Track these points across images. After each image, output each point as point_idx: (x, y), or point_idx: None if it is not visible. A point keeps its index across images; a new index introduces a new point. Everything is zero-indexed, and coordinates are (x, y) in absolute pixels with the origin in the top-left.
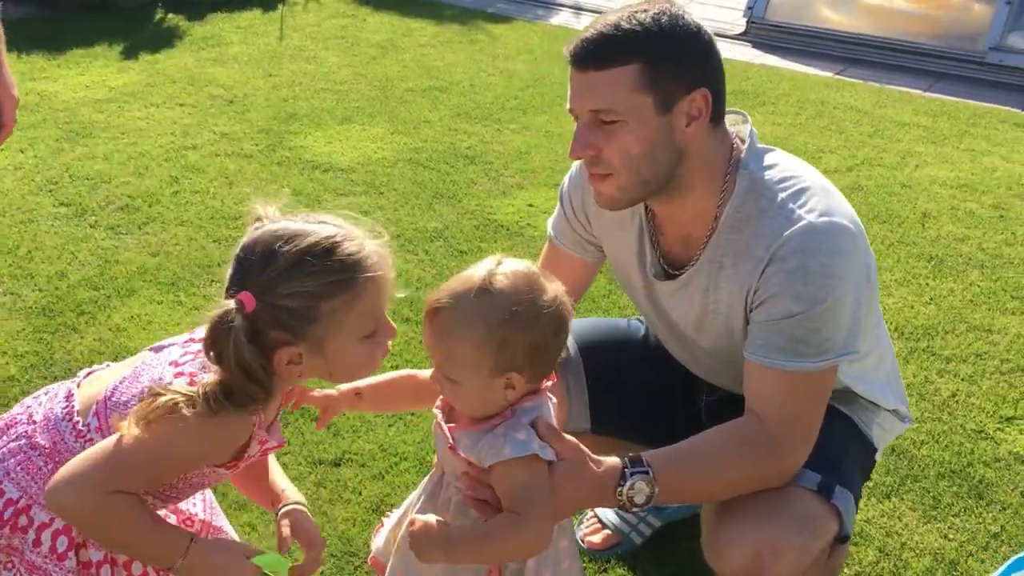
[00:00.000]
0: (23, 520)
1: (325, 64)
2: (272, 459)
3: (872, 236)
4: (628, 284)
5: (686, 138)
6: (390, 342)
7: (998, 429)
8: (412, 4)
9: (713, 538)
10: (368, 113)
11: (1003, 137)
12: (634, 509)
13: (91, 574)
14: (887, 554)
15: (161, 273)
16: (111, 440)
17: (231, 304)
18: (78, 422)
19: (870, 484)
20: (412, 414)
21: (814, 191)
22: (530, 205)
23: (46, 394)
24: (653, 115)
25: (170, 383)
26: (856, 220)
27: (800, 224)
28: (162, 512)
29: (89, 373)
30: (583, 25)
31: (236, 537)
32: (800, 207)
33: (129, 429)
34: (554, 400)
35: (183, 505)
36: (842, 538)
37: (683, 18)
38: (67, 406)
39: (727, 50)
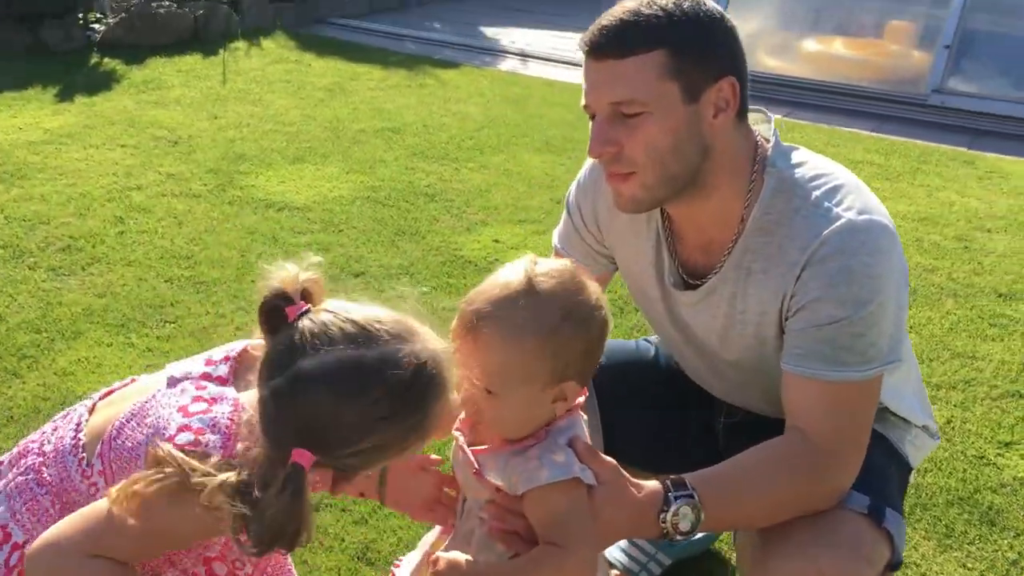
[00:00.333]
0: None
1: (272, 106)
2: None
3: None
4: (643, 296)
5: (713, 131)
6: None
7: (999, 454)
8: (356, 50)
9: (758, 569)
10: (320, 153)
11: (954, 174)
12: (678, 538)
13: None
14: None
15: (109, 314)
16: (102, 503)
17: (278, 453)
18: (83, 458)
19: None
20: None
21: (849, 188)
22: (496, 241)
23: (64, 417)
24: (680, 104)
25: (174, 435)
26: (891, 219)
27: (840, 223)
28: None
29: (107, 393)
30: (531, 72)
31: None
32: (837, 205)
33: (119, 502)
34: (585, 417)
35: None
36: (894, 565)
37: (705, 3)
38: (75, 437)
39: None
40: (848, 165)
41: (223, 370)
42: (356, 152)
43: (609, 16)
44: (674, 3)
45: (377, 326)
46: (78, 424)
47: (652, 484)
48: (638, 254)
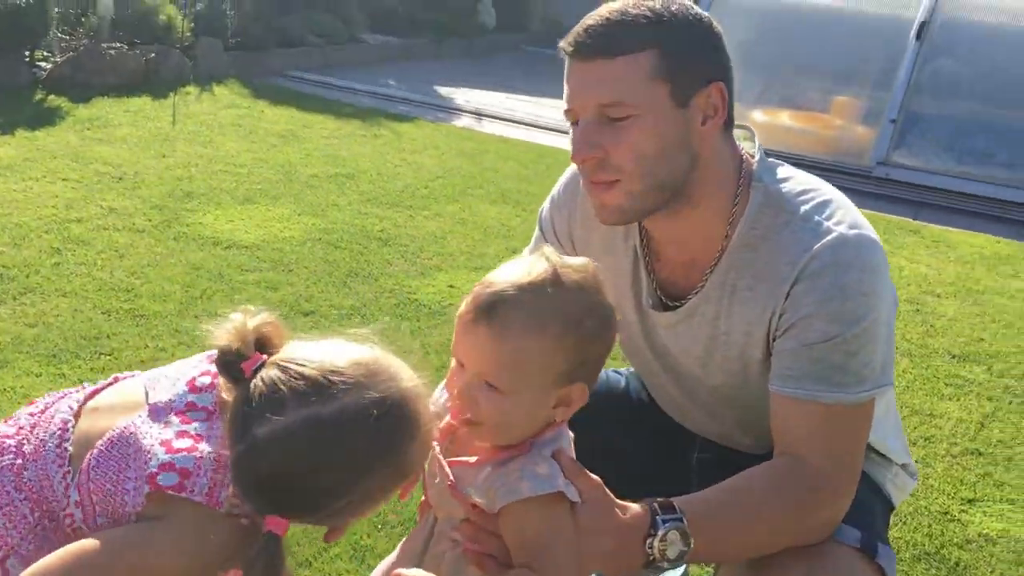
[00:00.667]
0: None
1: (222, 148)
2: None
3: None
4: (619, 319)
5: (701, 138)
6: None
7: (962, 511)
8: (310, 100)
9: None
10: (271, 195)
11: (901, 241)
12: (664, 565)
13: None
14: None
15: (40, 344)
16: (89, 544)
17: (260, 543)
18: (68, 472)
19: None
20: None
21: (838, 203)
22: (451, 286)
23: (42, 413)
24: (669, 108)
25: (156, 473)
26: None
27: (831, 236)
28: None
29: (94, 393)
30: (486, 129)
31: None
32: (827, 219)
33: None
34: (572, 435)
35: None
36: None
37: (693, 7)
38: (61, 447)
39: None
40: None
41: (209, 401)
42: (308, 195)
43: (595, 16)
44: (662, 4)
45: (333, 378)
46: (63, 429)
47: (637, 507)
48: (615, 273)
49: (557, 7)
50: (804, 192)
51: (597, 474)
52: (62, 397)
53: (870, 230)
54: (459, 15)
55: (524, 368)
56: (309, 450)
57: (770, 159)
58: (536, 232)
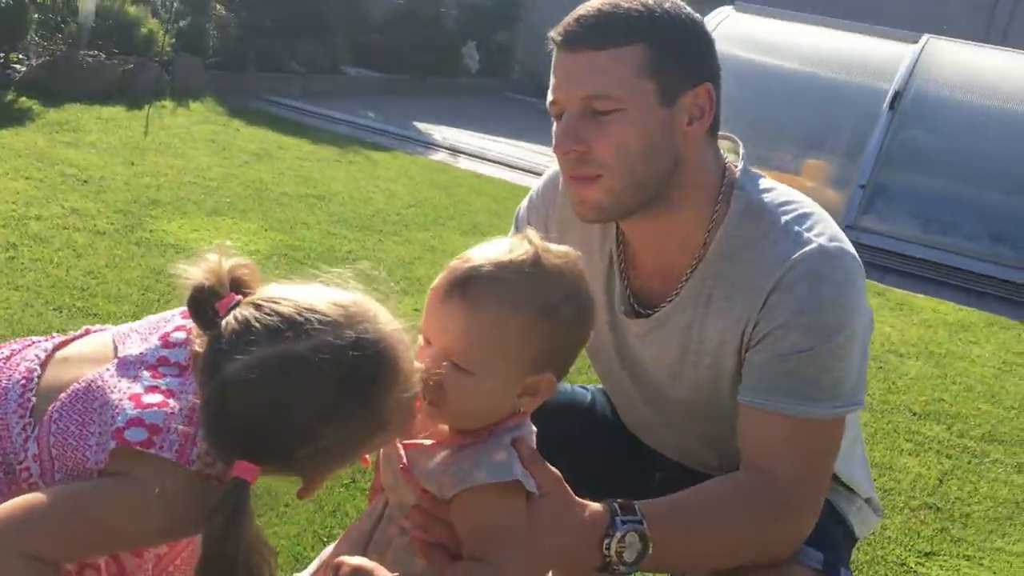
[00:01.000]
0: None
1: (194, 161)
2: None
3: None
4: None
5: (685, 140)
6: None
7: (919, 563)
8: (287, 123)
9: None
10: (240, 209)
11: (871, 303)
12: (620, 568)
13: None
14: None
15: None
16: (42, 496)
17: (227, 487)
18: (29, 423)
19: None
20: (286, 505)
21: (819, 216)
22: (416, 310)
23: (7, 360)
24: (655, 105)
25: (123, 428)
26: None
27: (811, 247)
28: None
29: (63, 343)
30: (461, 165)
31: None
32: (808, 230)
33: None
34: (534, 429)
35: None
36: None
37: (685, 8)
38: (24, 396)
39: None
40: None
41: (183, 356)
42: (277, 212)
43: (586, 7)
44: (655, 1)
45: (308, 315)
46: (28, 378)
47: (597, 506)
48: (588, 277)
49: (539, 61)
50: (786, 203)
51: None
52: (29, 345)
53: (850, 245)
54: (443, 57)
55: (493, 348)
56: (281, 388)
57: (753, 169)
58: (511, 230)
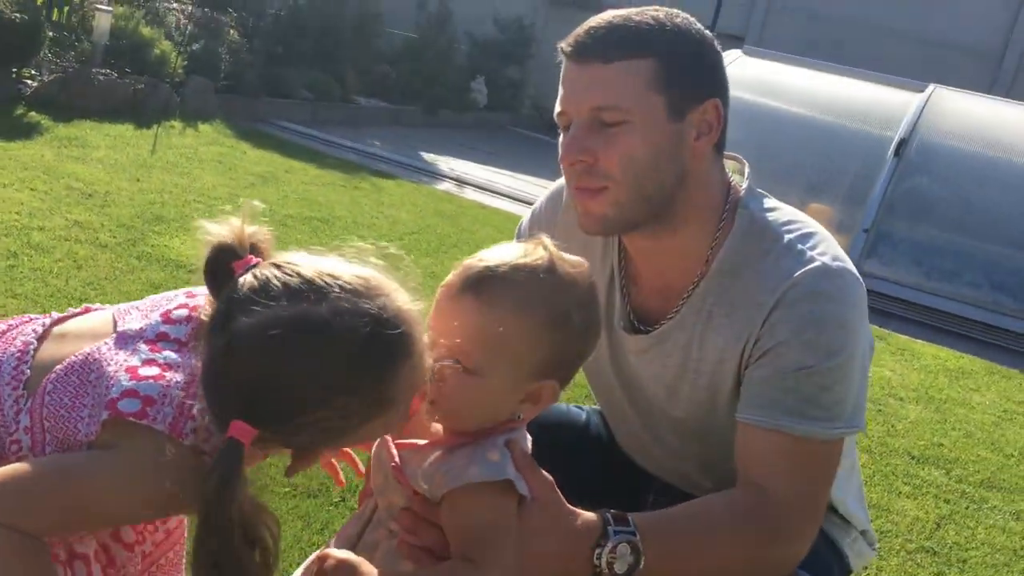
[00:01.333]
0: None
1: (199, 180)
2: None
3: None
4: None
5: (692, 156)
6: None
7: None
8: (294, 148)
9: None
10: None
11: None
12: None
13: None
14: None
15: None
16: (26, 465)
17: (222, 447)
18: (22, 396)
19: None
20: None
21: (822, 236)
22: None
23: (3, 334)
24: (663, 119)
25: (117, 398)
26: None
27: (813, 265)
28: None
29: (61, 320)
30: (466, 195)
31: None
32: (811, 249)
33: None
34: (529, 436)
35: None
36: None
37: (696, 24)
38: (18, 368)
39: None
40: None
41: (183, 332)
42: (280, 233)
43: (598, 19)
44: (666, 15)
45: (330, 280)
46: (23, 351)
47: (590, 514)
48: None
49: (549, 97)
50: (789, 223)
51: None
52: (27, 321)
53: (852, 266)
54: (452, 90)
55: (501, 349)
56: (292, 349)
57: (758, 190)
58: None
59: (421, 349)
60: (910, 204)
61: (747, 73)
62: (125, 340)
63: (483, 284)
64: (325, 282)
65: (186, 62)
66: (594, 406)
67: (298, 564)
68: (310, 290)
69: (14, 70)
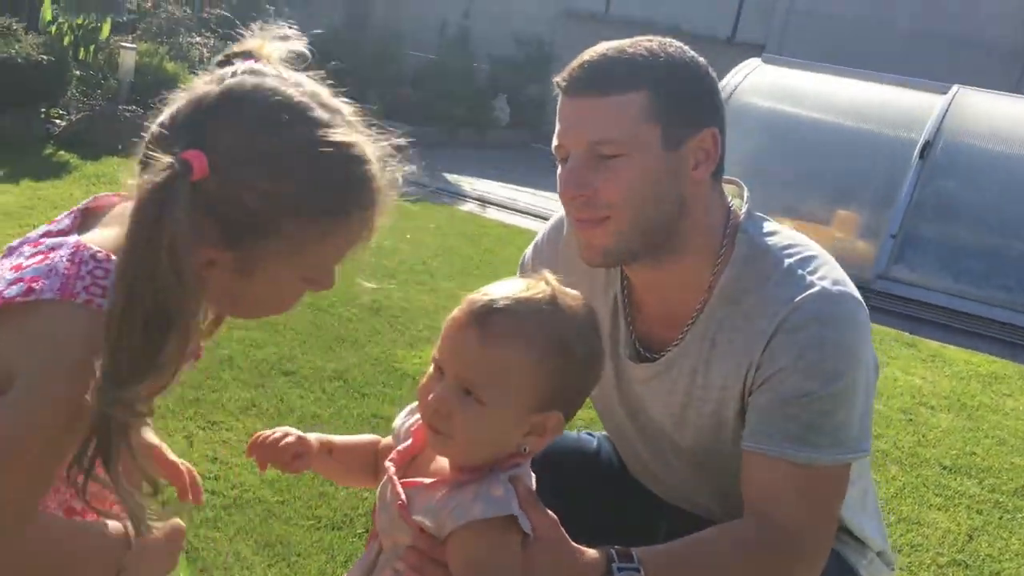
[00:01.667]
0: None
1: None
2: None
3: None
4: None
5: (691, 184)
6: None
7: None
8: None
9: None
10: None
11: (897, 353)
12: None
13: None
14: None
15: None
16: None
17: (168, 161)
18: None
19: None
20: (297, 554)
21: (823, 260)
22: None
23: None
24: (660, 149)
25: (2, 290)
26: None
27: (814, 290)
28: None
29: None
30: (489, 216)
31: None
32: (811, 273)
33: None
34: (533, 474)
35: None
36: None
37: (689, 52)
38: None
39: None
40: None
41: (65, 223)
42: None
43: (591, 53)
44: (659, 45)
45: (324, 99)
46: None
47: (594, 552)
48: None
49: None
50: (790, 247)
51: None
52: None
53: (854, 289)
54: (474, 109)
55: (506, 380)
56: (273, 116)
57: (757, 213)
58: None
59: (381, 199)
60: (937, 207)
61: (766, 80)
62: (9, 252)
63: (487, 316)
64: (320, 100)
65: None
66: (605, 432)
67: None
68: (303, 95)
69: (43, 110)
